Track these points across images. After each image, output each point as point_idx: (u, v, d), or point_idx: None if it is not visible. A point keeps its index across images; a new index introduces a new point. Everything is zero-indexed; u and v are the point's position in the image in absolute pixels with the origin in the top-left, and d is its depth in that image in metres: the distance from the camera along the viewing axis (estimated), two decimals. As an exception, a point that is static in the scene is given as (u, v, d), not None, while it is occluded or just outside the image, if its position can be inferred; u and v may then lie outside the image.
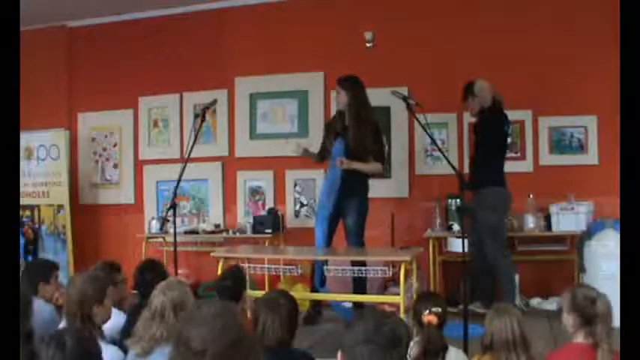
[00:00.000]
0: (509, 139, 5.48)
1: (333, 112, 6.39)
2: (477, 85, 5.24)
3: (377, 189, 6.25)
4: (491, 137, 5.19)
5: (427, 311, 2.82)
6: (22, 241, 6.86)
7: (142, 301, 3.38)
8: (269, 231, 6.17)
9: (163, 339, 2.54)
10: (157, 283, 2.84)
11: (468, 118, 5.99)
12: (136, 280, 3.62)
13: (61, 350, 1.92)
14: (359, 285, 4.98)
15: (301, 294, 5.17)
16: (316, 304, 5.21)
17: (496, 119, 5.20)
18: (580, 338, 2.62)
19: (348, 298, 4.98)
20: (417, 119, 4.17)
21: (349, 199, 5.13)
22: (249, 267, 4.57)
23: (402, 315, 3.99)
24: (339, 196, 5.09)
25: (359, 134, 5.09)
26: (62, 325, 2.92)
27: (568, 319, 2.67)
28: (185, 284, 2.84)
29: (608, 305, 2.61)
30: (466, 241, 3.98)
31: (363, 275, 4.67)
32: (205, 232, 6.61)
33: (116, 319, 3.18)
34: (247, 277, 3.81)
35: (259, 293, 3.93)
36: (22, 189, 6.81)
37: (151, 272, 3.53)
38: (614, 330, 2.57)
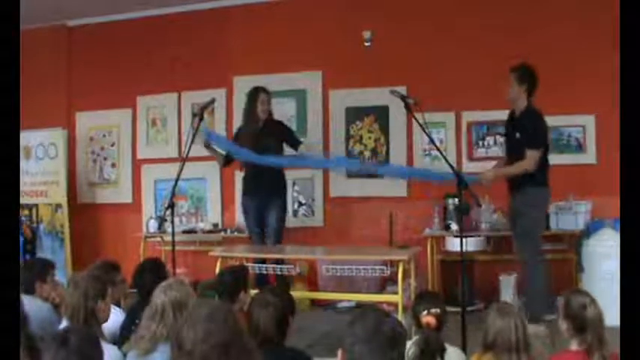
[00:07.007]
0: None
1: (332, 111, 6.42)
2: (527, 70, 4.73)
3: (376, 188, 6.28)
4: (539, 134, 4.75)
5: (425, 312, 2.82)
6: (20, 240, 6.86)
7: (140, 301, 3.38)
8: (268, 230, 6.15)
9: (163, 338, 2.55)
10: (156, 283, 2.84)
11: (467, 117, 6.00)
12: (136, 280, 3.61)
13: (65, 350, 1.92)
14: (261, 281, 5.00)
15: (300, 293, 5.17)
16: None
17: (541, 114, 4.77)
18: (574, 345, 2.62)
19: (348, 298, 4.98)
20: (416, 118, 4.16)
21: (274, 196, 5.32)
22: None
23: (400, 314, 4.01)
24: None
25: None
26: (63, 324, 2.92)
27: (562, 325, 2.68)
28: (186, 284, 2.84)
29: (599, 312, 2.61)
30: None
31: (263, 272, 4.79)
32: (203, 231, 6.61)
33: (115, 319, 3.19)
34: (248, 276, 3.80)
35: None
36: (20, 188, 6.81)
37: (151, 273, 3.51)
38: (611, 331, 2.58)
